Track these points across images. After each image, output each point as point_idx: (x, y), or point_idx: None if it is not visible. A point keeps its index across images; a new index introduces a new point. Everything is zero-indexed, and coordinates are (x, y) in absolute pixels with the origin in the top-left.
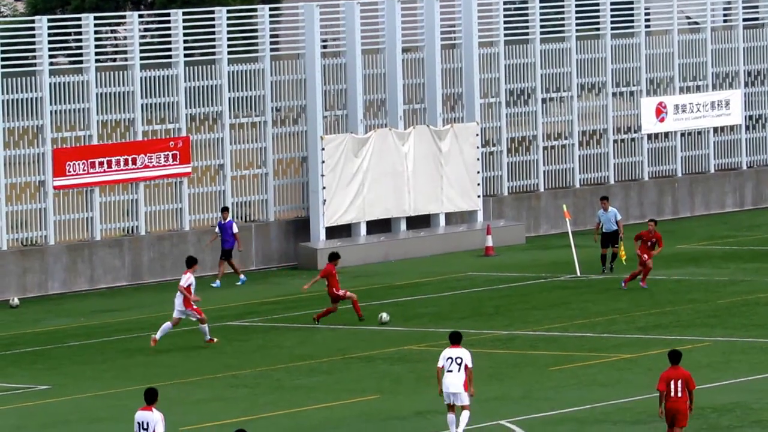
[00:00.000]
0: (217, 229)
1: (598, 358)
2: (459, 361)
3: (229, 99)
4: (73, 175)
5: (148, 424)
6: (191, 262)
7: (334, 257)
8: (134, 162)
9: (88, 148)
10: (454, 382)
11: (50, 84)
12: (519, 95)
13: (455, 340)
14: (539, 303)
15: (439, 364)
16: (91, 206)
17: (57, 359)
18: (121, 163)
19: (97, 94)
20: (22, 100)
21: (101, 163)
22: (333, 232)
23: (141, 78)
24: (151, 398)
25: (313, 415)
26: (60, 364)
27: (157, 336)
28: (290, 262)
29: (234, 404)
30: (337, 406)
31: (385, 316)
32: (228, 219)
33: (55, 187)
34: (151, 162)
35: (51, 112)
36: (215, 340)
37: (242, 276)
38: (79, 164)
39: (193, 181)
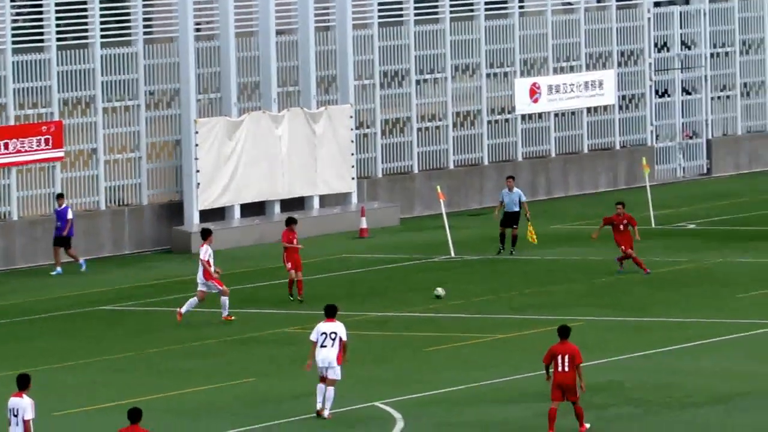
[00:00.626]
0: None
1: (473, 338)
2: (333, 336)
3: (102, 83)
4: None
5: (18, 410)
6: (206, 234)
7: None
8: (6, 147)
9: None
10: (327, 356)
11: None
12: (393, 77)
13: (330, 313)
14: (414, 284)
15: (312, 338)
16: None
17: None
18: None
19: None
20: None
21: None
22: (207, 215)
23: (13, 62)
24: (23, 384)
25: (190, 399)
26: None
27: (183, 310)
28: (164, 245)
29: (109, 388)
30: (213, 390)
31: (441, 291)
32: (63, 205)
33: None
34: (23, 146)
35: None
36: (233, 318)
37: (82, 260)
38: None
39: (66, 165)
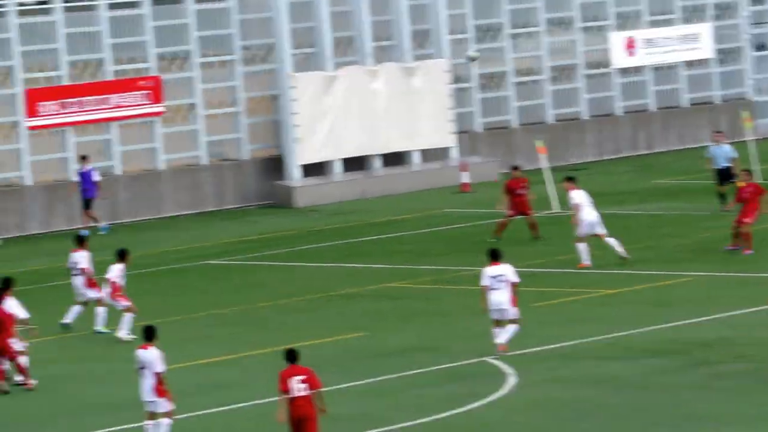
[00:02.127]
0: (78, 179)
1: (580, 294)
2: (503, 278)
3: (198, 38)
4: (45, 115)
5: (146, 363)
6: (123, 255)
7: None
8: (106, 102)
9: (59, 88)
10: (499, 299)
11: (18, 24)
12: (487, 31)
13: (495, 257)
14: (517, 239)
15: (485, 283)
16: (65, 146)
17: (38, 298)
18: (93, 104)
19: (64, 35)
20: None
21: (73, 104)
22: (308, 169)
23: (108, 18)
24: (149, 335)
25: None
26: (41, 303)
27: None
28: (266, 200)
29: (217, 343)
30: (321, 344)
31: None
32: (88, 167)
33: (28, 128)
34: (123, 102)
35: (21, 53)
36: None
37: (104, 224)
38: (50, 105)
39: (165, 120)
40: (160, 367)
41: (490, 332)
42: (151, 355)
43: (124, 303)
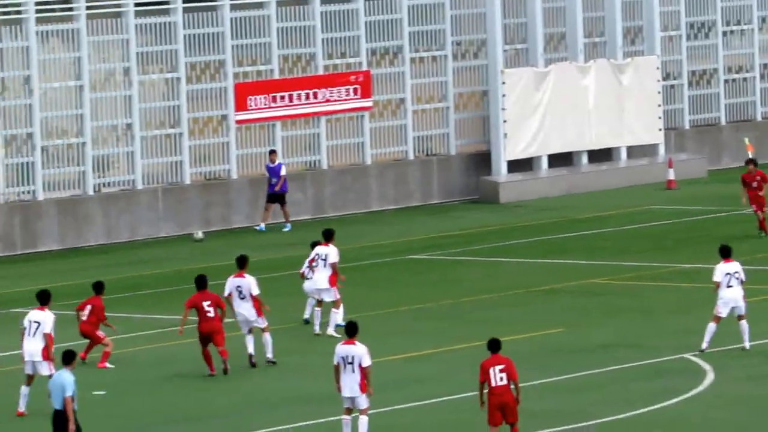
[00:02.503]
0: (267, 173)
1: None
2: (737, 275)
3: (410, 33)
4: (254, 109)
5: (353, 357)
6: (99, 288)
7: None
8: (316, 96)
9: (269, 82)
10: (734, 296)
11: (231, 19)
12: (699, 28)
13: (727, 254)
14: (722, 236)
15: (717, 279)
16: (273, 140)
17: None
18: (303, 98)
19: (277, 29)
20: (203, 35)
21: (283, 98)
22: (514, 165)
23: (321, 12)
24: (353, 331)
25: None
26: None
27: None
28: (472, 195)
29: (418, 337)
30: (521, 340)
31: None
32: (277, 161)
33: (237, 122)
34: (332, 96)
35: (233, 46)
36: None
37: (289, 224)
38: (260, 98)
39: (374, 115)
40: (366, 362)
41: (706, 327)
42: (359, 350)
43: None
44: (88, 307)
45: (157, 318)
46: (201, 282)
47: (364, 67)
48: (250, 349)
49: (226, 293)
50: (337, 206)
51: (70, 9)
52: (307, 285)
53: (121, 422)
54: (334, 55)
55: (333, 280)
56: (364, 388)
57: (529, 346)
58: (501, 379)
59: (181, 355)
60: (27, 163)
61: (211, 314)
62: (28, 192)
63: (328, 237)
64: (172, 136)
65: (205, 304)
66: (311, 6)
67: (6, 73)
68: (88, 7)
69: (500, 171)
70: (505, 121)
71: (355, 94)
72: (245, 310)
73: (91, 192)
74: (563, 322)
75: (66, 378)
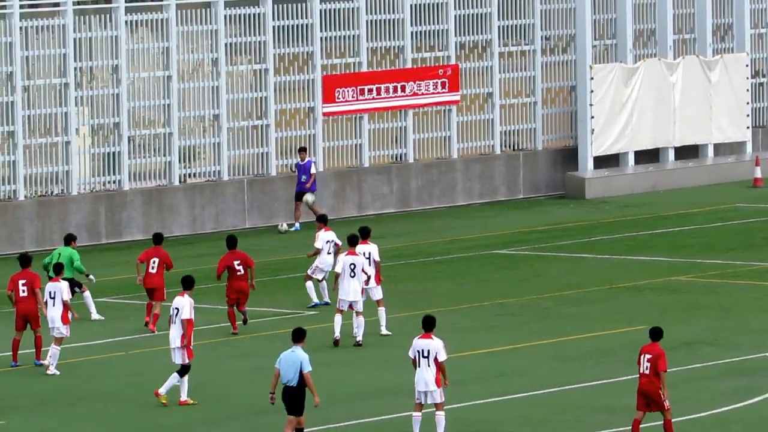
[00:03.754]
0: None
1: None
2: None
3: (499, 27)
4: (342, 101)
5: (429, 351)
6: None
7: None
8: (403, 89)
9: (357, 75)
10: None
11: (320, 10)
12: None
13: None
14: None
15: None
16: (360, 133)
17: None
18: (390, 91)
19: (366, 21)
20: (292, 26)
21: (370, 90)
22: (600, 161)
23: (410, 5)
24: (431, 325)
25: (580, 345)
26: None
27: None
28: (557, 191)
29: (500, 332)
30: (603, 336)
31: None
32: (306, 159)
33: (324, 114)
34: (420, 89)
35: (321, 38)
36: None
37: (297, 224)
38: (348, 91)
39: (461, 109)
40: (443, 356)
41: None
42: (435, 344)
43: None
44: (155, 259)
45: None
46: (231, 242)
47: (453, 61)
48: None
49: (338, 270)
50: (423, 200)
51: None
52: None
53: (210, 412)
54: (422, 49)
55: (378, 278)
56: (439, 382)
57: (611, 342)
58: (646, 368)
59: (262, 348)
60: (113, 152)
61: (241, 272)
62: (114, 182)
63: (366, 235)
64: (258, 127)
65: (236, 263)
66: (400, 0)
67: (94, 62)
68: None
69: (587, 167)
70: (592, 117)
71: (443, 87)
72: (353, 288)
73: (176, 182)
74: (646, 319)
75: (301, 355)
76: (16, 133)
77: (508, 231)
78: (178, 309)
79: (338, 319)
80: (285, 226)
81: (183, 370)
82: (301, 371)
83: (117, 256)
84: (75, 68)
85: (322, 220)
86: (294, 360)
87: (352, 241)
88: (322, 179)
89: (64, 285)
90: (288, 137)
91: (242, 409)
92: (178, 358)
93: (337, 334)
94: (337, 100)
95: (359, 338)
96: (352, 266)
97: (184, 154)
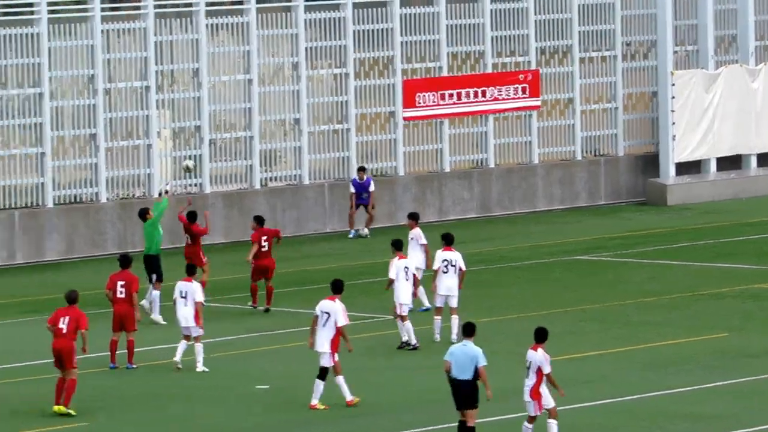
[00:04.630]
0: (352, 189)
1: None
2: None
3: (579, 33)
4: (422, 106)
5: (533, 363)
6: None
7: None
8: (484, 94)
9: (438, 79)
10: None
11: (401, 15)
12: None
13: None
14: None
15: None
16: (440, 138)
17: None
18: (471, 96)
19: (447, 26)
20: (373, 30)
21: (451, 95)
22: (681, 168)
23: (491, 10)
24: (542, 337)
25: (662, 351)
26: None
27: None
28: (639, 197)
29: (582, 338)
30: (685, 343)
31: (189, 163)
32: (365, 177)
33: (404, 118)
34: (500, 94)
35: (402, 43)
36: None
37: (354, 231)
38: (428, 96)
39: (542, 114)
40: (547, 369)
41: None
42: (539, 357)
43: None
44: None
45: None
46: (260, 220)
47: (533, 66)
48: (411, 335)
49: (391, 275)
50: (504, 205)
51: (241, 2)
52: (440, 289)
53: (286, 414)
54: (503, 54)
55: (460, 285)
56: (535, 394)
57: (693, 349)
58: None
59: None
60: (194, 156)
61: (266, 248)
62: (195, 185)
63: (450, 241)
64: (339, 131)
65: (263, 239)
66: (481, 3)
67: (175, 65)
68: (258, 1)
69: (668, 173)
70: (673, 123)
71: (524, 92)
72: (451, 283)
73: (257, 186)
74: (728, 326)
75: (476, 349)
76: (98, 135)
77: (589, 237)
78: (328, 314)
79: (408, 324)
80: (366, 231)
81: (324, 373)
82: (476, 365)
83: None
84: (156, 71)
85: (398, 247)
86: (468, 354)
87: (448, 240)
88: (403, 184)
89: (196, 286)
90: (368, 141)
91: (322, 412)
92: (326, 361)
93: (413, 338)
94: (417, 105)
95: (413, 342)
96: (406, 269)
97: (265, 158)
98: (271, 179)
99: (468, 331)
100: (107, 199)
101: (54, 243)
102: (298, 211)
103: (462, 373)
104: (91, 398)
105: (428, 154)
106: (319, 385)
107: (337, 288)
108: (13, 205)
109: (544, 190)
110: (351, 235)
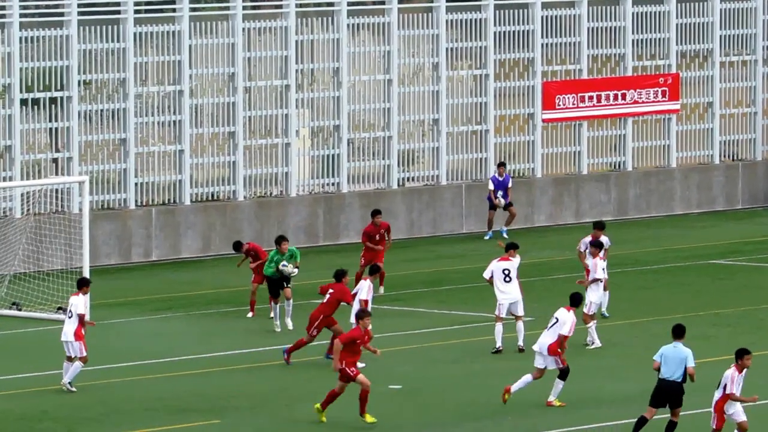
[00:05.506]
0: (491, 185)
1: None
2: None
3: (720, 36)
4: (562, 108)
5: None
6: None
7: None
8: (623, 97)
9: (577, 82)
10: None
11: (542, 17)
12: None
13: None
14: None
15: None
16: (578, 140)
17: (541, 291)
18: (611, 98)
19: (588, 29)
20: (514, 32)
21: (590, 98)
22: None
23: (633, 13)
24: (679, 334)
25: None
26: (544, 296)
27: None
28: None
29: (716, 342)
30: None
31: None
32: (505, 174)
33: (543, 120)
34: (640, 97)
35: (542, 45)
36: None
37: (491, 232)
38: (568, 98)
39: (681, 118)
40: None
41: None
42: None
43: None
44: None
45: (456, 314)
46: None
47: (673, 70)
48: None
49: (486, 275)
50: (641, 208)
51: (382, 2)
52: (502, 298)
53: (413, 416)
54: (643, 57)
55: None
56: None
57: None
58: None
59: (475, 350)
60: (333, 155)
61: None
62: (333, 184)
63: (513, 247)
64: (478, 132)
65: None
66: (623, 6)
67: (315, 64)
68: (400, 1)
69: None
70: None
71: (663, 96)
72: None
73: (395, 186)
74: None
75: (686, 350)
76: (237, 133)
77: (726, 241)
78: (557, 319)
79: (499, 327)
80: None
81: (564, 374)
82: (685, 366)
83: (334, 258)
84: (296, 70)
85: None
86: (679, 355)
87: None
88: (540, 186)
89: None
90: (507, 143)
91: (454, 414)
92: (551, 364)
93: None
94: (557, 107)
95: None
96: (506, 271)
97: (403, 158)
98: (408, 179)
99: (678, 332)
100: (244, 197)
101: (190, 240)
102: (435, 212)
103: (671, 373)
104: (227, 397)
105: (566, 156)
106: (558, 384)
107: (575, 301)
108: (150, 203)
109: (681, 194)
110: (487, 237)
